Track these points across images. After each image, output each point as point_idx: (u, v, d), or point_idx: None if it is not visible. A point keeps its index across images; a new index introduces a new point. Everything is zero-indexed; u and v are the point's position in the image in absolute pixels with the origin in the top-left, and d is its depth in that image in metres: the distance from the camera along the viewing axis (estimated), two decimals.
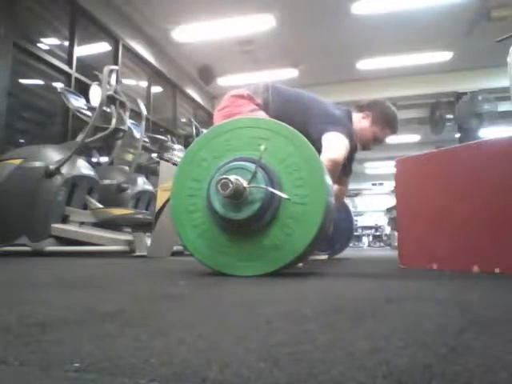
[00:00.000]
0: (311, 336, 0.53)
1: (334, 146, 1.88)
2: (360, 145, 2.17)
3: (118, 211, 3.35)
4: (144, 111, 4.09)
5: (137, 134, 4.14)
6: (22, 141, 4.32)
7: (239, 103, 2.06)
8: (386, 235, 15.47)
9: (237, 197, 1.35)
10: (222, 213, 1.39)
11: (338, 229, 3.08)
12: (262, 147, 1.40)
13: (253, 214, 1.37)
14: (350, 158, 2.15)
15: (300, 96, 2.12)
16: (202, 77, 7.64)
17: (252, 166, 1.39)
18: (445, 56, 6.93)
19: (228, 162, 1.44)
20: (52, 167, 3.01)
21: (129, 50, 5.97)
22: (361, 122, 2.13)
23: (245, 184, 1.36)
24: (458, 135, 7.35)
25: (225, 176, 1.34)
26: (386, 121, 2.14)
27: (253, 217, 1.37)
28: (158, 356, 0.43)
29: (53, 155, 3.11)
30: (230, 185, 1.32)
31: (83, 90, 4.02)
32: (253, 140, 1.47)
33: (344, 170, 2.11)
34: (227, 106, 2.09)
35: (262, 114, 1.98)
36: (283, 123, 1.52)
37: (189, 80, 7.78)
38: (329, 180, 1.45)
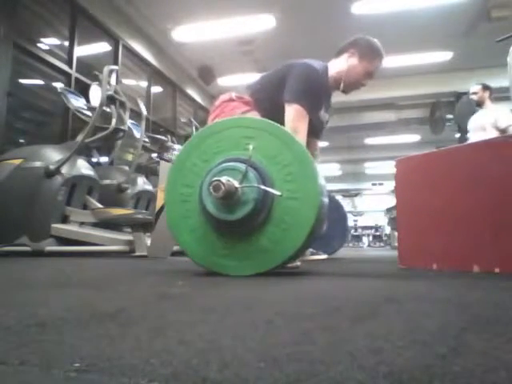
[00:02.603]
0: (311, 336, 0.53)
1: (292, 117, 1.91)
2: (351, 86, 2.13)
3: (117, 211, 3.35)
4: (144, 111, 4.08)
5: (137, 134, 4.14)
6: (21, 141, 4.32)
7: (231, 107, 2.06)
8: (386, 235, 15.48)
9: (229, 198, 1.35)
10: (216, 214, 1.39)
11: (331, 226, 3.09)
12: (251, 146, 1.41)
13: (247, 214, 1.37)
14: (319, 122, 2.14)
15: (277, 70, 2.10)
16: (201, 77, 7.64)
17: (242, 166, 1.39)
18: (445, 56, 6.93)
19: (218, 163, 1.45)
20: (52, 167, 3.01)
21: (129, 50, 5.97)
22: (348, 61, 2.10)
23: (236, 184, 1.36)
24: (458, 135, 7.35)
25: (216, 178, 1.34)
26: (373, 51, 2.12)
27: (247, 216, 1.38)
28: (158, 356, 0.43)
29: (53, 155, 3.11)
30: (222, 186, 1.32)
31: (83, 90, 4.01)
32: (241, 140, 1.48)
33: (314, 132, 2.10)
34: (221, 112, 2.09)
35: (253, 115, 1.99)
36: (269, 121, 1.53)
37: (189, 80, 7.78)
38: (321, 179, 1.46)
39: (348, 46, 2.13)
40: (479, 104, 4.15)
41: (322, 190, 1.45)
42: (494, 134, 3.92)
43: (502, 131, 3.92)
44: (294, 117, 1.91)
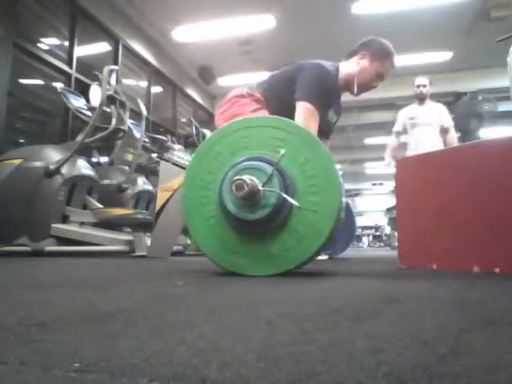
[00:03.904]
0: (311, 336, 0.53)
1: (302, 115, 1.90)
2: (361, 88, 2.12)
3: (118, 211, 3.35)
4: (144, 111, 4.09)
5: (137, 134, 4.14)
6: (21, 141, 4.32)
7: (241, 103, 2.05)
8: (385, 235, 15.48)
9: (250, 198, 1.34)
10: (234, 211, 1.38)
11: (339, 229, 3.08)
12: (282, 151, 1.39)
13: (263, 217, 1.36)
14: (326, 123, 2.14)
15: (286, 70, 2.10)
16: (202, 77, 7.64)
17: (269, 169, 1.37)
18: (445, 56, 6.94)
19: (244, 159, 1.42)
20: (52, 167, 3.01)
21: (129, 50, 5.98)
22: (359, 63, 2.09)
23: (259, 186, 1.34)
24: (458, 135, 7.35)
25: (240, 177, 1.33)
26: (385, 53, 2.11)
27: (263, 219, 1.36)
28: (158, 356, 0.43)
29: (53, 155, 3.11)
30: (246, 187, 1.30)
31: (83, 90, 4.02)
32: (271, 140, 1.44)
33: (323, 132, 2.10)
34: (229, 107, 2.08)
35: (264, 113, 1.98)
36: (303, 127, 1.51)
37: (189, 80, 7.78)
38: (342, 185, 1.45)
39: (359, 48, 2.12)
40: (423, 98, 4.03)
41: (342, 207, 1.43)
42: (439, 131, 3.93)
43: (445, 130, 3.93)
44: (305, 115, 1.90)
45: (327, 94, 2.00)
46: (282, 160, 1.39)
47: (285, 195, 1.35)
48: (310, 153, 1.41)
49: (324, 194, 1.37)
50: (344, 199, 1.46)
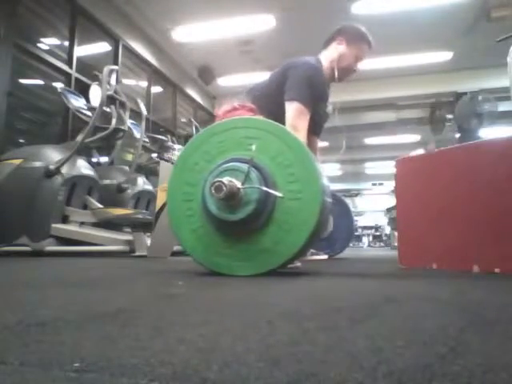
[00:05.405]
0: (311, 336, 0.53)
1: (292, 115, 1.93)
2: (344, 72, 2.17)
3: (117, 211, 3.35)
4: (144, 111, 4.08)
5: (137, 134, 4.14)
6: (21, 141, 4.32)
7: (236, 115, 2.06)
8: (385, 235, 15.48)
9: (231, 198, 1.35)
10: (218, 214, 1.39)
11: (337, 228, 3.08)
12: (253, 147, 1.41)
13: (249, 215, 1.37)
14: (324, 113, 2.19)
15: (275, 73, 2.13)
16: (202, 77, 7.64)
17: (244, 167, 1.39)
18: (445, 56, 6.93)
19: (220, 163, 1.44)
20: (52, 167, 3.01)
21: (129, 50, 5.97)
22: (337, 48, 2.15)
23: (239, 185, 1.35)
24: (458, 135, 7.35)
25: (218, 179, 1.34)
26: (360, 36, 2.17)
27: (249, 217, 1.37)
28: (158, 356, 0.43)
29: (53, 155, 3.11)
30: (224, 187, 1.32)
31: (83, 90, 4.01)
32: (244, 140, 1.48)
33: (313, 129, 2.12)
34: None
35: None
36: (271, 121, 1.53)
37: (189, 80, 7.78)
38: (324, 179, 1.46)
39: (335, 35, 2.19)
40: None
41: (325, 190, 1.44)
42: None
43: None
44: (294, 115, 1.92)
45: (318, 89, 2.03)
46: (255, 155, 1.41)
47: (265, 188, 1.37)
48: (283, 145, 1.44)
49: (303, 181, 1.40)
50: (325, 182, 1.47)
